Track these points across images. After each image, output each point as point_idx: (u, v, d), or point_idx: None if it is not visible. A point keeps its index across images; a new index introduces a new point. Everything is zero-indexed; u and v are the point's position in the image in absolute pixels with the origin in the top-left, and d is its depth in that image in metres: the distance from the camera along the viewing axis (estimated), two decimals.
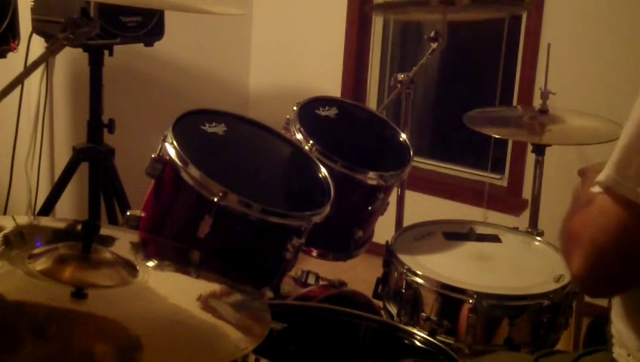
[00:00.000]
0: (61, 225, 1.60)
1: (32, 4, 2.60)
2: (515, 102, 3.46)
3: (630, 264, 1.23)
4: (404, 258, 2.10)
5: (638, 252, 1.21)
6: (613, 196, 1.20)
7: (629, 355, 1.37)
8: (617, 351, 1.40)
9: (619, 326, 1.41)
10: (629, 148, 1.18)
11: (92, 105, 2.68)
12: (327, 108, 2.23)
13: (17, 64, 2.39)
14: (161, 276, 1.37)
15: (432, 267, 2.08)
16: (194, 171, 1.68)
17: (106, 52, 2.66)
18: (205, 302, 1.30)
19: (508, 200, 3.51)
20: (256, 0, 3.96)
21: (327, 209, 1.82)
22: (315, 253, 2.10)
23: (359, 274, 2.65)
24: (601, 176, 1.21)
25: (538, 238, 2.35)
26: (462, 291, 1.98)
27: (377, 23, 3.85)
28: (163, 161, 1.73)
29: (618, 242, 1.20)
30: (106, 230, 1.44)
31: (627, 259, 1.22)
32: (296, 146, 2.00)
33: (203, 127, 1.84)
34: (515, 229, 2.40)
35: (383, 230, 2.30)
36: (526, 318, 1.99)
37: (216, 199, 1.65)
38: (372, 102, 3.89)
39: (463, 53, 3.72)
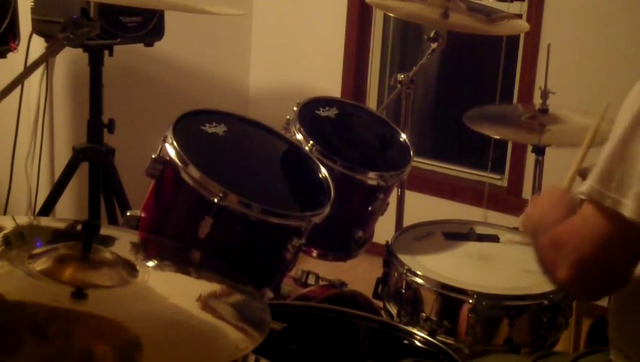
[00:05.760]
0: (61, 225, 1.60)
1: (32, 4, 2.60)
2: (515, 102, 3.46)
3: (613, 270, 1.26)
4: (404, 258, 2.10)
5: (621, 259, 1.24)
6: (596, 206, 1.23)
7: (626, 357, 1.38)
8: (615, 353, 1.41)
9: (616, 327, 1.41)
10: (612, 160, 1.22)
11: (92, 105, 2.68)
12: (327, 108, 2.23)
13: (17, 64, 2.39)
14: (161, 276, 1.37)
15: (432, 267, 2.08)
16: (194, 171, 1.68)
17: (106, 52, 2.66)
18: (205, 302, 1.30)
19: (508, 200, 3.51)
20: (256, 0, 3.96)
21: (327, 209, 1.82)
22: (315, 253, 2.10)
23: (359, 274, 2.65)
24: (585, 188, 1.25)
25: None
26: (462, 291, 1.98)
27: (377, 23, 3.85)
28: (163, 161, 1.73)
29: (601, 250, 1.24)
30: (106, 230, 1.44)
31: (610, 266, 1.26)
32: (296, 146, 2.00)
33: (203, 128, 1.84)
34: (515, 229, 2.40)
35: (383, 230, 2.30)
36: (526, 318, 1.99)
37: (216, 199, 1.65)
38: (372, 102, 3.89)
39: (463, 53, 3.72)
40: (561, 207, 1.46)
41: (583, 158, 1.71)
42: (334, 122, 2.22)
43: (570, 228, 1.28)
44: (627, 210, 1.19)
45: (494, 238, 2.32)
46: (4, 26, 2.30)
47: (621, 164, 1.20)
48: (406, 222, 2.51)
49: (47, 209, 2.67)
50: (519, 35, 3.38)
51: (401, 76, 2.52)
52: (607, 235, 1.22)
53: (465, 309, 1.96)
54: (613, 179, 1.21)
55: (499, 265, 2.18)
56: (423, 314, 2.01)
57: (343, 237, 2.12)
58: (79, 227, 1.32)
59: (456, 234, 2.31)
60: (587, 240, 1.24)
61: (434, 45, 2.54)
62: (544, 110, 2.51)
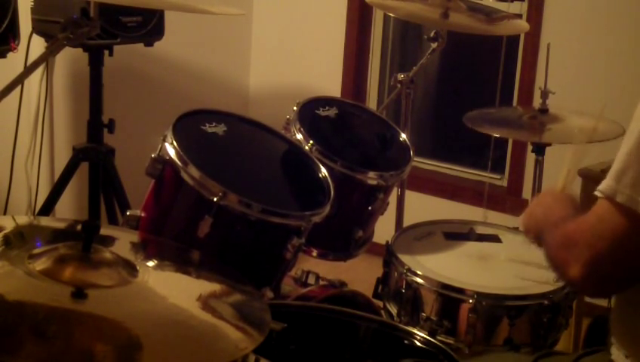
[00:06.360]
0: (61, 225, 1.60)
1: (32, 4, 2.60)
2: (515, 103, 3.46)
3: (627, 268, 1.26)
4: (404, 258, 2.10)
5: (635, 256, 1.23)
6: (612, 203, 1.22)
7: (627, 357, 1.38)
8: (616, 352, 1.41)
9: (618, 326, 1.41)
10: (628, 158, 1.22)
11: (92, 105, 2.68)
12: (327, 108, 2.23)
13: (17, 64, 2.39)
14: (161, 276, 1.37)
15: (432, 267, 2.08)
16: (194, 171, 1.68)
17: (106, 52, 2.66)
18: (205, 302, 1.30)
19: (508, 200, 3.51)
20: (256, 0, 3.96)
21: (327, 209, 1.82)
22: (315, 253, 2.10)
23: (359, 274, 2.64)
24: (601, 185, 1.25)
25: None
26: (462, 291, 1.98)
27: (377, 23, 3.85)
28: (163, 160, 1.73)
29: (615, 248, 1.24)
30: (106, 230, 1.44)
31: (624, 263, 1.25)
32: (296, 146, 2.00)
33: (203, 127, 1.84)
34: (515, 229, 2.40)
35: (383, 230, 2.30)
36: (526, 318, 1.99)
37: (216, 199, 1.65)
38: (372, 102, 3.89)
39: (463, 53, 3.72)
40: (563, 204, 1.46)
41: (577, 162, 1.70)
42: (334, 122, 2.22)
43: (583, 226, 1.28)
44: None
45: (494, 238, 2.32)
46: (4, 26, 2.30)
47: (637, 162, 1.20)
48: (406, 222, 2.51)
49: (47, 209, 2.68)
50: (519, 35, 3.38)
51: (401, 76, 2.52)
52: (622, 233, 1.22)
53: (465, 309, 1.96)
54: (629, 177, 1.21)
55: (499, 265, 2.18)
56: (423, 314, 2.01)
57: (343, 236, 2.12)
58: (79, 227, 1.32)
59: (457, 234, 2.31)
60: (601, 238, 1.24)
61: (434, 45, 2.54)
62: (544, 110, 2.51)
